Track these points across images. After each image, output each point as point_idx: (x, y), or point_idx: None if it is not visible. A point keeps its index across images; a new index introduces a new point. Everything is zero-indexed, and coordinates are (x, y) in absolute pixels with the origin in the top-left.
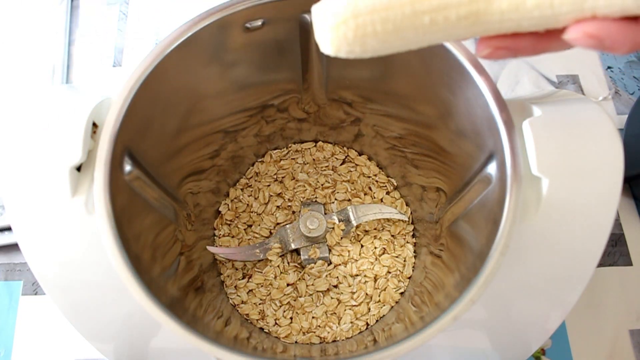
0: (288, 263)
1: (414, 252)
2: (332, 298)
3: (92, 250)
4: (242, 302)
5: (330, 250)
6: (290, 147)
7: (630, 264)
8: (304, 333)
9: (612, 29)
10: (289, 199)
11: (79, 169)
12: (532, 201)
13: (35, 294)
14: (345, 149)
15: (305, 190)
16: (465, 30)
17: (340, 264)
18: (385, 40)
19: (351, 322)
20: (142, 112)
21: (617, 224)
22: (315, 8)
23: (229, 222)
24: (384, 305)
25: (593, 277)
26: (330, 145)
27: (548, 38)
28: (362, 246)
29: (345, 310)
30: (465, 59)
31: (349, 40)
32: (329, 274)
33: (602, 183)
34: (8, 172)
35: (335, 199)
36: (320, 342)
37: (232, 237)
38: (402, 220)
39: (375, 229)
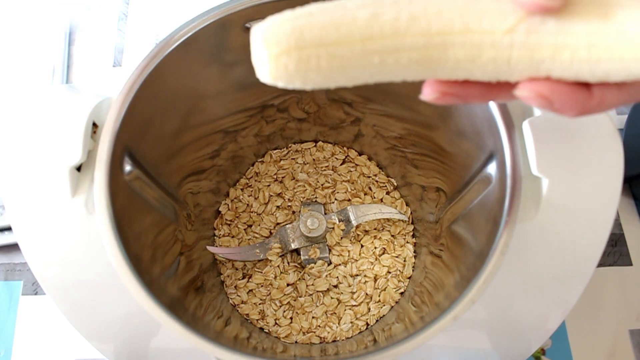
0: (288, 263)
1: (414, 252)
2: (332, 298)
3: (92, 250)
4: (242, 302)
5: (330, 250)
6: (290, 147)
7: (630, 264)
8: (304, 333)
9: (563, 93)
10: (289, 199)
11: (79, 169)
12: (532, 201)
13: (35, 294)
14: (345, 149)
15: (305, 190)
16: (415, 74)
17: (340, 264)
18: (328, 76)
19: (351, 322)
20: (142, 112)
21: (617, 224)
22: (255, 31)
23: (229, 222)
24: (384, 305)
25: (593, 277)
26: (330, 145)
27: (498, 89)
28: (362, 246)
29: (345, 310)
30: None
31: (289, 72)
32: (329, 274)
33: (602, 183)
34: (8, 172)
35: (335, 199)
36: (320, 342)
37: (232, 237)
38: (402, 220)
39: (375, 229)
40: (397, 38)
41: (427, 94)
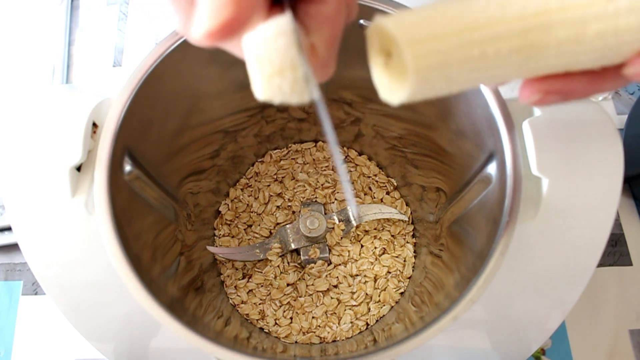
0: (288, 263)
1: (414, 252)
2: (332, 298)
3: (92, 250)
4: (242, 302)
5: (330, 250)
6: (290, 147)
7: (630, 264)
8: (304, 333)
9: None
10: (289, 199)
11: (79, 169)
12: (532, 201)
13: (35, 294)
14: (345, 149)
15: (305, 190)
16: (516, 67)
17: (340, 264)
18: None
19: (351, 322)
20: (142, 112)
21: (617, 224)
22: (246, 43)
23: (229, 222)
24: (384, 305)
25: (593, 277)
26: None
27: (603, 77)
28: (362, 246)
29: (345, 310)
30: None
31: (284, 91)
32: (329, 274)
33: (602, 183)
34: (8, 172)
35: (335, 199)
36: (320, 342)
37: (232, 237)
38: (402, 220)
39: (375, 229)
40: (492, 27)
41: (527, 97)
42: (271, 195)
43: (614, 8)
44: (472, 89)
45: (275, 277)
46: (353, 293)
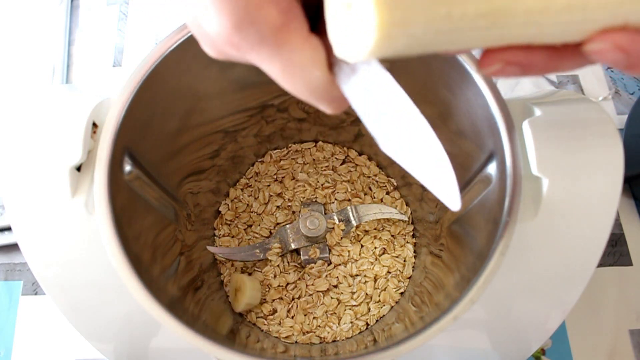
0: (288, 263)
1: (414, 252)
2: (332, 298)
3: (92, 250)
4: None
5: (330, 250)
6: (290, 147)
7: (630, 264)
8: (304, 333)
9: None
10: (289, 199)
11: (79, 169)
12: (532, 201)
13: (35, 294)
14: (345, 148)
15: (305, 190)
16: (481, 34)
17: (340, 264)
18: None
19: (351, 322)
20: (142, 112)
21: (617, 224)
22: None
23: (229, 222)
24: (384, 305)
25: (593, 277)
26: (330, 145)
27: (562, 53)
28: (362, 246)
29: (345, 310)
30: (465, 59)
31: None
32: (329, 274)
33: (602, 183)
34: (8, 172)
35: (335, 199)
36: (320, 342)
37: (232, 237)
38: (402, 220)
39: (375, 229)
40: None
41: (488, 65)
42: (271, 195)
43: None
44: (433, 54)
45: (275, 277)
46: (353, 293)
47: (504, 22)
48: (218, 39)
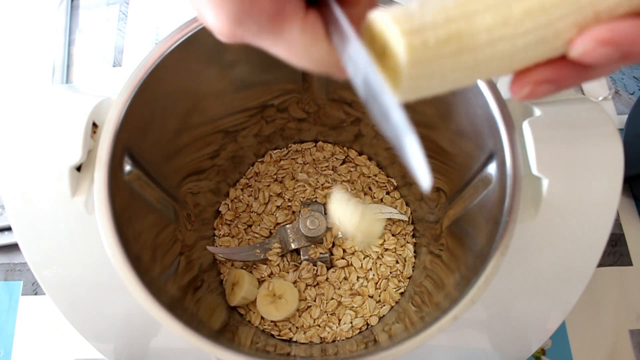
0: (288, 263)
1: (414, 252)
2: (332, 298)
3: (92, 250)
4: None
5: (330, 251)
6: (290, 147)
7: (630, 264)
8: (304, 333)
9: (625, 29)
10: (289, 199)
11: (79, 169)
12: (532, 201)
13: (35, 294)
14: (345, 149)
15: (305, 190)
16: (458, 66)
17: (340, 264)
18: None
19: (351, 322)
20: (142, 112)
21: (617, 224)
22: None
23: (229, 222)
24: (384, 305)
25: (593, 277)
26: (330, 145)
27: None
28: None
29: (345, 310)
30: None
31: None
32: (329, 274)
33: (602, 183)
34: (8, 172)
35: None
36: (320, 342)
37: (232, 237)
38: (402, 220)
39: None
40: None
41: (518, 92)
42: (271, 195)
43: None
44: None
45: (275, 277)
46: (353, 293)
47: (470, 46)
48: (221, 33)
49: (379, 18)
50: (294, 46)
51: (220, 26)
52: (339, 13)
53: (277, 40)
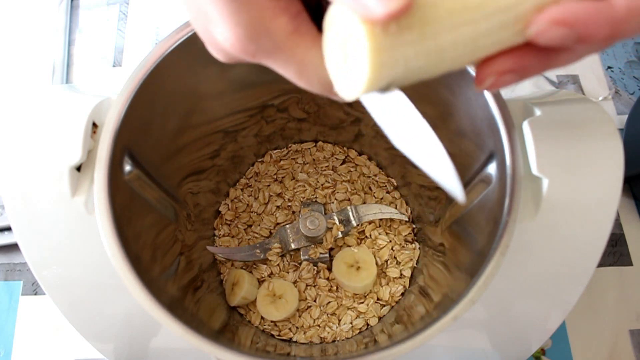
0: (288, 263)
1: (414, 252)
2: (332, 298)
3: (92, 250)
4: None
5: (330, 251)
6: (290, 147)
7: (630, 264)
8: (304, 333)
9: (579, 9)
10: (289, 199)
11: (79, 169)
12: (532, 201)
13: (35, 294)
14: (345, 148)
15: (305, 190)
16: (421, 53)
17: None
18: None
19: (351, 322)
20: (142, 112)
21: (617, 224)
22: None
23: (229, 222)
24: (384, 306)
25: (593, 277)
26: (330, 145)
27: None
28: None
29: (345, 310)
30: None
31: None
32: (329, 274)
33: (602, 183)
34: (8, 172)
35: (335, 199)
36: (320, 342)
37: (232, 237)
38: (402, 220)
39: (375, 229)
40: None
41: (482, 82)
42: (271, 195)
43: None
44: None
45: (275, 277)
46: (353, 293)
47: (432, 31)
48: (232, 49)
49: (340, 10)
50: (305, 66)
51: (233, 40)
52: None
53: (290, 59)
